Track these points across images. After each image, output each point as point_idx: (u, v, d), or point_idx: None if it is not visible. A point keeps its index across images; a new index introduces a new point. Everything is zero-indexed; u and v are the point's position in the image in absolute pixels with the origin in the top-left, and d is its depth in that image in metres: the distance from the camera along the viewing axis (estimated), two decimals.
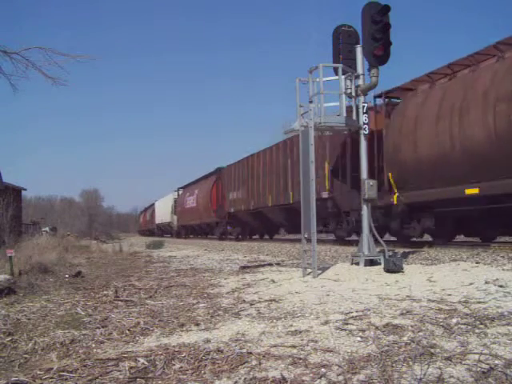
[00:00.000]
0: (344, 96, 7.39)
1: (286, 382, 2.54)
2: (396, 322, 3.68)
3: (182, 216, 37.17)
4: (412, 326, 3.50)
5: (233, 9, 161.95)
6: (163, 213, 45.11)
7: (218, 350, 3.17)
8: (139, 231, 72.73)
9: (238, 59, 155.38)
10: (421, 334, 3.30)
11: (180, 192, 40.38)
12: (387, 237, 13.04)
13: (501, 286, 4.89)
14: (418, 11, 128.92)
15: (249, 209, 21.87)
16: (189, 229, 37.64)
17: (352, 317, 3.94)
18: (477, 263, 7.00)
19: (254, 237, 26.25)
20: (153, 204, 55.71)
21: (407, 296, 4.77)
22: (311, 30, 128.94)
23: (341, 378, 2.54)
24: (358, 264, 7.26)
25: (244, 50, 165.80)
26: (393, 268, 6.55)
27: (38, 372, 2.95)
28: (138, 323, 4.23)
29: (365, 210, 7.42)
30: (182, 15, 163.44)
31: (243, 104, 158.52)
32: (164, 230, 48.34)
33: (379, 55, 7.33)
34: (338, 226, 14.91)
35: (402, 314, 3.96)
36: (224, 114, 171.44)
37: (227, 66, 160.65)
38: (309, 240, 7.10)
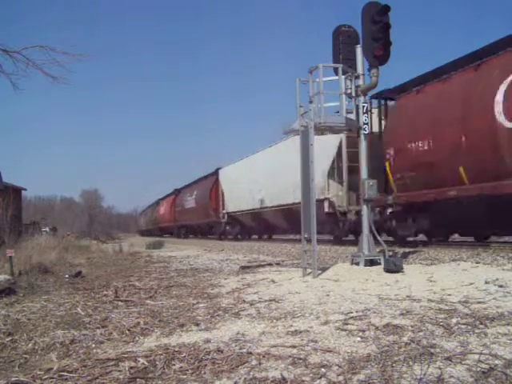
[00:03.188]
0: (344, 96, 7.39)
1: (286, 382, 2.54)
2: (396, 322, 3.67)
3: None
4: (412, 326, 3.50)
5: (233, 8, 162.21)
6: (279, 186, 18.70)
7: (218, 350, 3.17)
8: (141, 231, 63.10)
9: (238, 58, 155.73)
10: (421, 333, 3.30)
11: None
12: (385, 237, 13.07)
13: (501, 286, 4.89)
14: (418, 11, 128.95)
15: None
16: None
17: (352, 317, 3.94)
18: (477, 263, 7.01)
19: None
20: (213, 174, 28.44)
21: (407, 296, 4.77)
22: (311, 29, 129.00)
23: (341, 378, 2.54)
24: (357, 264, 7.25)
25: (244, 49, 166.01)
26: (393, 268, 6.54)
27: (38, 372, 2.95)
28: (138, 323, 4.23)
29: (365, 210, 7.41)
30: (181, 15, 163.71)
31: (243, 104, 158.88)
32: (253, 228, 24.63)
33: (379, 55, 7.32)
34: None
35: (402, 314, 3.96)
36: (224, 114, 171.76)
37: (227, 66, 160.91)
38: (309, 240, 7.10)
